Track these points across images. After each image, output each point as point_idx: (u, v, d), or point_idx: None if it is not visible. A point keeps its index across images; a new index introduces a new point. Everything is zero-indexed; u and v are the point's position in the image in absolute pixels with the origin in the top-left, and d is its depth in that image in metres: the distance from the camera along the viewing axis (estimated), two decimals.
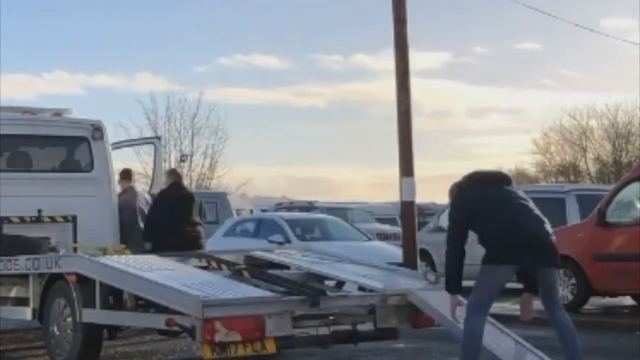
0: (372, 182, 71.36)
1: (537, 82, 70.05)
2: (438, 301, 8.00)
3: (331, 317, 7.87)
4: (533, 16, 52.42)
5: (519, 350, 7.62)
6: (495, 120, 72.40)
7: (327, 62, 67.38)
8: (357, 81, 71.79)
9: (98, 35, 61.21)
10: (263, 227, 18.78)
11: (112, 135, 12.92)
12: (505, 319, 8.58)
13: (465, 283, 7.32)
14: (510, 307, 13.26)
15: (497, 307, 8.55)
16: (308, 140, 68.65)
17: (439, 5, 62.73)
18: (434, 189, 75.40)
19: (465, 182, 7.59)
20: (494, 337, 7.60)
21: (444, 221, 19.00)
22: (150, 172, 14.57)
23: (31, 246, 10.41)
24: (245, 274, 8.89)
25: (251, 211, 31.71)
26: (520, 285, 7.52)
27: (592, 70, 70.02)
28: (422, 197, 20.22)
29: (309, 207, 28.12)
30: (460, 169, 60.71)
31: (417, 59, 51.86)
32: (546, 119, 75.43)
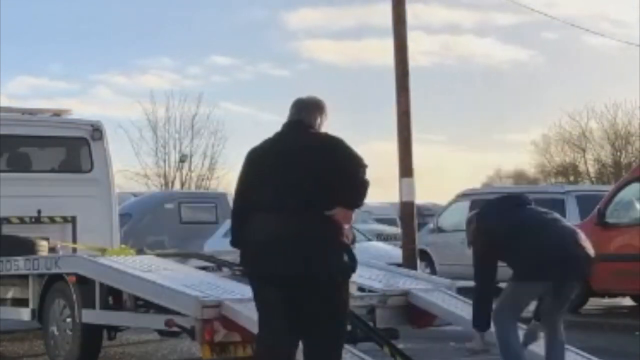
0: None
1: None
2: (440, 299, 8.00)
3: None
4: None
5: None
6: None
7: (113, 81, 64.31)
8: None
9: None
10: None
11: (111, 136, 12.95)
12: None
13: (467, 284, 7.31)
14: None
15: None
16: None
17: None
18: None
19: (486, 210, 7.05)
20: None
21: (444, 222, 19.04)
22: (149, 172, 14.57)
23: (28, 246, 10.41)
24: (245, 274, 8.89)
25: None
26: None
27: None
28: (421, 197, 20.29)
29: None
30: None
31: None
32: None
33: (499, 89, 64.43)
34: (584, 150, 54.06)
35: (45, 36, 58.52)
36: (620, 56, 62.13)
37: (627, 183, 13.74)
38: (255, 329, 6.95)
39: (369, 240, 19.03)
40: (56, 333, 9.16)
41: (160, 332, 8.95)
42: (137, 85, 60.28)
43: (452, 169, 61.81)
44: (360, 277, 8.76)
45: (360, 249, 16.33)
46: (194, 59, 66.09)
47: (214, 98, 46.99)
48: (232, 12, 63.25)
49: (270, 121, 61.14)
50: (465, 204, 18.67)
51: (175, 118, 46.83)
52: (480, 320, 6.87)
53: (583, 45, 62.54)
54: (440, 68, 60.15)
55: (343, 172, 5.47)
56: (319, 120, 5.73)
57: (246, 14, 63.55)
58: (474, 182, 57.23)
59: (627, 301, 14.71)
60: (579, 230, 7.07)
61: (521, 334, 6.93)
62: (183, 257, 9.80)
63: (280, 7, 65.64)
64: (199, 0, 58.92)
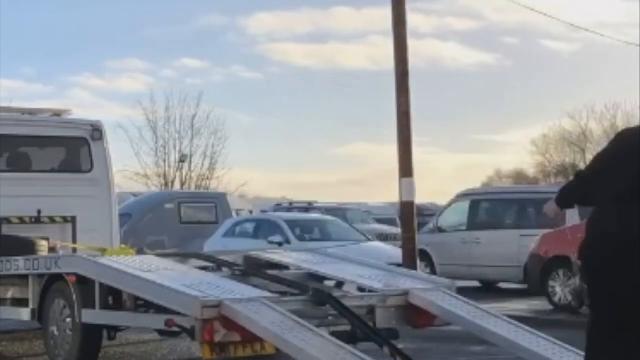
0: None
1: None
2: (440, 299, 8.01)
3: (330, 318, 7.87)
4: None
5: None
6: None
7: (89, 84, 65.34)
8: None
9: None
10: (262, 227, 18.79)
11: (111, 136, 12.96)
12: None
13: (466, 284, 7.29)
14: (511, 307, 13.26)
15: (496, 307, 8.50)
16: None
17: None
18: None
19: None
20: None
21: (444, 222, 19.05)
22: (149, 172, 14.59)
23: (28, 246, 10.42)
24: (245, 274, 8.90)
25: (251, 212, 31.73)
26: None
27: None
28: (421, 197, 20.30)
29: (308, 207, 28.14)
30: None
31: None
32: None
33: (471, 91, 65.08)
34: (583, 151, 54.12)
35: (15, 39, 59.13)
36: (578, 58, 63.08)
37: None
38: (254, 329, 6.98)
39: (369, 240, 19.02)
40: (56, 333, 9.16)
41: (160, 332, 8.95)
42: (114, 87, 60.78)
43: (437, 170, 61.99)
44: (360, 277, 8.78)
45: (360, 249, 16.45)
46: (165, 61, 66.86)
47: (190, 100, 47.06)
48: (190, 17, 63.87)
49: (248, 122, 61.63)
50: (465, 204, 18.69)
51: (175, 118, 46.91)
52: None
53: (542, 48, 63.42)
54: (412, 71, 60.80)
55: None
56: None
57: (204, 19, 64.55)
58: (460, 183, 57.32)
59: None
60: None
61: None
62: (183, 257, 9.81)
63: (236, 12, 66.19)
64: (154, 4, 59.08)
